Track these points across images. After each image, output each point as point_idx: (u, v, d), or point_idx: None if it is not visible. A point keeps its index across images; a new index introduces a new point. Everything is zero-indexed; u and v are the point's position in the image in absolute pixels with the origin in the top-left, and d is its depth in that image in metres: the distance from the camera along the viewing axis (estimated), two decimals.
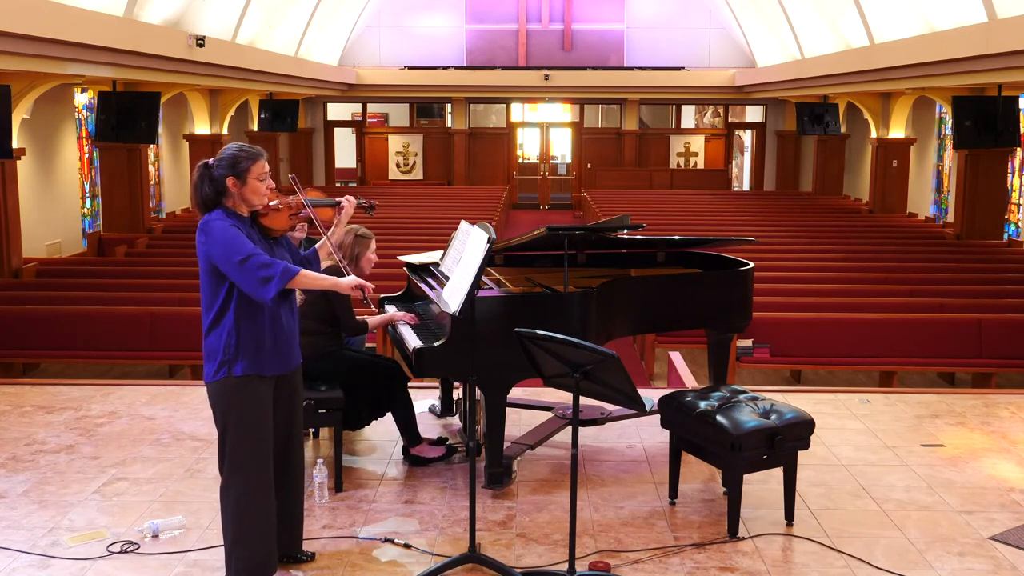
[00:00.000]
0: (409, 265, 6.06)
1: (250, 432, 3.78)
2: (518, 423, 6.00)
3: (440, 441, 5.50)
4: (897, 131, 16.99)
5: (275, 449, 3.91)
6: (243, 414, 3.77)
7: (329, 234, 4.08)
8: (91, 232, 14.15)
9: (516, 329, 3.92)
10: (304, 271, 3.77)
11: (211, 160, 3.78)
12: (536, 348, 3.89)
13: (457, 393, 6.17)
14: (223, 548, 3.91)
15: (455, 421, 6.14)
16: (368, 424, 5.46)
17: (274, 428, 3.90)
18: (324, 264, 4.14)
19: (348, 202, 4.14)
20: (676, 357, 7.46)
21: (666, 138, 24.27)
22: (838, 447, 5.73)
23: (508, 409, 5.13)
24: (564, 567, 4.03)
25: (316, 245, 4.11)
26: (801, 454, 4.69)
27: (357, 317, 5.22)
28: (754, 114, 24.87)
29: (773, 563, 4.25)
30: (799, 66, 17.49)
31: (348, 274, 3.99)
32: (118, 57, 10.21)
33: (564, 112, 24.88)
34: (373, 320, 5.36)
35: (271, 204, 3.84)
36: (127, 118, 12.21)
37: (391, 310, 5.68)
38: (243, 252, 3.63)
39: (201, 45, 11.94)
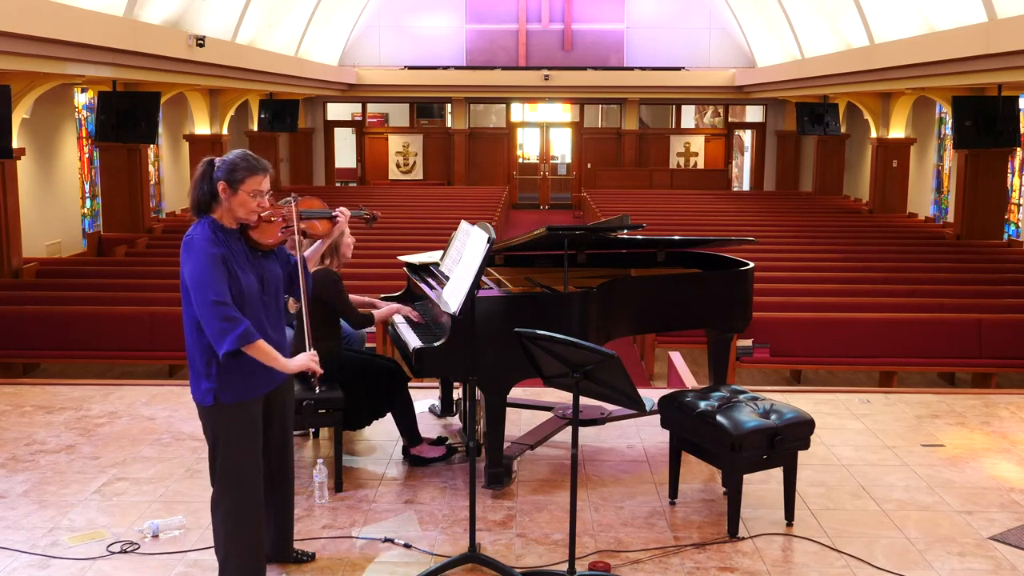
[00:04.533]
0: (409, 265, 6.06)
1: (240, 453, 3.69)
2: (518, 423, 6.00)
3: (440, 441, 5.50)
4: (897, 131, 16.99)
5: (269, 459, 3.89)
6: (233, 436, 3.67)
7: (308, 253, 4.08)
8: (91, 232, 14.15)
9: (516, 329, 3.92)
10: (261, 343, 3.53)
11: (216, 159, 3.67)
12: (536, 348, 3.89)
13: (457, 393, 6.17)
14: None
15: (455, 421, 6.14)
16: (368, 424, 5.46)
17: (268, 440, 3.86)
18: (311, 269, 4.17)
19: (343, 216, 4.09)
20: (676, 357, 7.46)
21: (666, 138, 24.27)
22: (838, 447, 5.73)
23: (508, 409, 5.13)
24: (564, 567, 4.03)
25: (305, 253, 4.10)
26: (801, 454, 4.69)
27: (361, 311, 5.21)
28: (754, 114, 24.86)
29: (773, 563, 4.25)
30: (799, 66, 17.49)
31: (307, 348, 3.73)
32: (118, 57, 10.21)
33: (564, 112, 24.87)
34: (379, 312, 5.34)
35: (262, 215, 3.70)
36: (127, 118, 12.20)
37: None
38: (217, 295, 3.46)
39: (201, 45, 11.94)
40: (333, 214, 4.07)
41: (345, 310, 5.09)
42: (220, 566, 3.82)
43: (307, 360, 3.67)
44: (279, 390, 3.86)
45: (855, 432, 6.01)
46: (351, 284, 9.16)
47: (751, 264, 5.93)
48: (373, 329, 5.84)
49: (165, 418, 6.16)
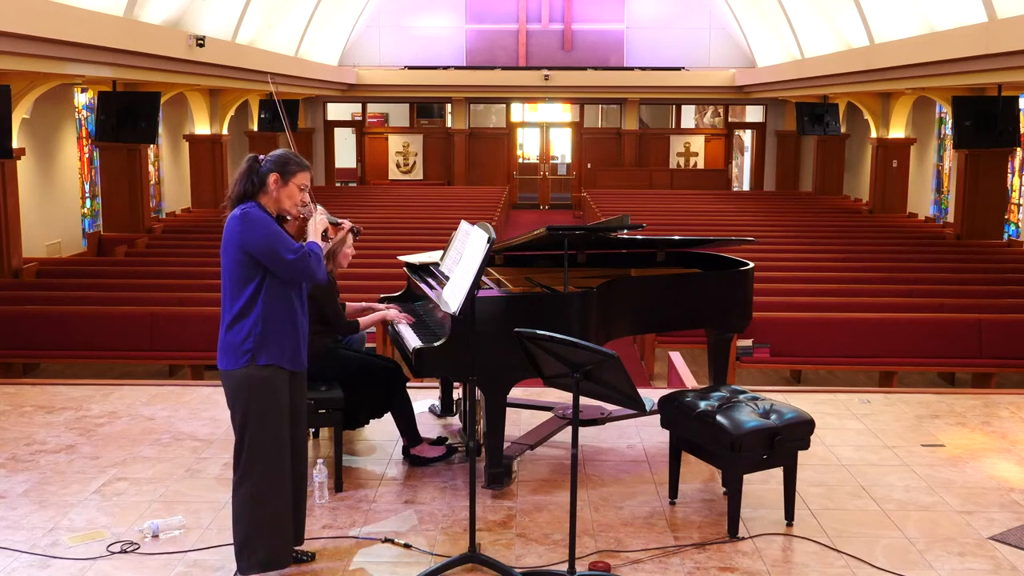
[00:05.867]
0: (409, 265, 6.07)
1: (270, 422, 3.84)
2: (518, 423, 6.00)
3: (440, 441, 5.51)
4: (897, 131, 16.99)
5: None
6: (264, 404, 3.83)
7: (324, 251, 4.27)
8: (91, 232, 14.14)
9: (516, 329, 3.93)
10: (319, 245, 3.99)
11: (260, 156, 3.93)
12: (536, 348, 3.89)
13: (457, 393, 6.17)
14: (231, 544, 3.93)
15: (455, 421, 6.14)
16: (367, 424, 5.46)
17: None
18: None
19: (346, 225, 4.43)
20: (676, 357, 7.46)
21: (666, 138, 24.27)
22: (838, 447, 5.73)
23: (508, 409, 5.13)
24: (564, 567, 4.03)
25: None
26: (801, 454, 4.69)
27: (348, 319, 5.23)
28: (754, 114, 24.86)
29: (773, 563, 4.25)
30: (799, 66, 17.49)
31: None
32: (118, 57, 10.21)
33: (564, 112, 24.87)
34: (364, 320, 5.35)
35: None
36: (127, 118, 12.21)
37: None
38: (291, 249, 3.78)
39: (201, 45, 11.94)
40: (339, 221, 4.38)
41: (333, 313, 5.10)
42: (236, 551, 3.87)
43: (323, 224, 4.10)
44: (299, 379, 4.02)
45: (855, 432, 6.01)
46: (352, 283, 9.15)
47: (751, 264, 5.93)
48: (373, 329, 5.84)
49: (165, 418, 6.16)
